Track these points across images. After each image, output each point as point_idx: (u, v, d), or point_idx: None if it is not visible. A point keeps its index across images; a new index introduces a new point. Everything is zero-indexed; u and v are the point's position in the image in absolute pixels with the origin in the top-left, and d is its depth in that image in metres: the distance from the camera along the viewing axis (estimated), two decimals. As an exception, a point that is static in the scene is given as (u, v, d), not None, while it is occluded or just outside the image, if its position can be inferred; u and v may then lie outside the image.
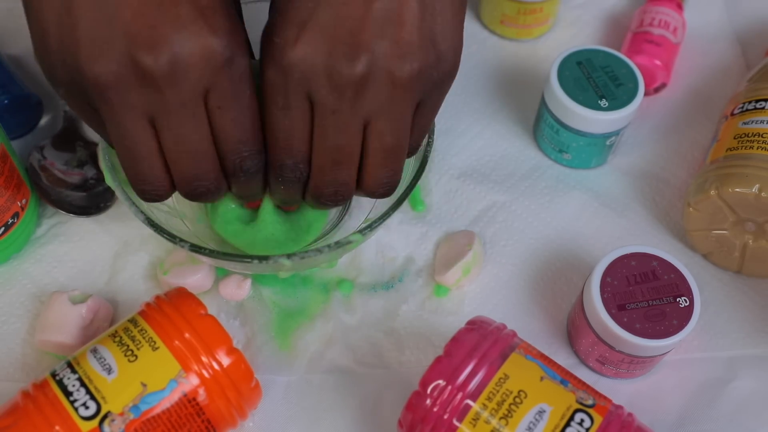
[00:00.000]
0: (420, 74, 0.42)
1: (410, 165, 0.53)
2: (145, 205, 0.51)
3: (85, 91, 0.41)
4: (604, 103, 0.57)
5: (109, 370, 0.45)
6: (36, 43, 0.42)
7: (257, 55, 0.45)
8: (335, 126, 0.43)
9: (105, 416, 0.43)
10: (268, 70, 0.43)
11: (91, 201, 0.58)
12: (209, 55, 0.40)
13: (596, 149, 0.60)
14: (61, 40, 0.40)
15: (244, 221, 0.52)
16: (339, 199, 0.47)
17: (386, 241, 0.58)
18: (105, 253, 0.57)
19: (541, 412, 0.43)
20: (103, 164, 0.50)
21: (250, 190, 0.47)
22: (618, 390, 0.52)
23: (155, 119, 0.41)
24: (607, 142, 0.60)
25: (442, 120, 0.64)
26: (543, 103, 0.60)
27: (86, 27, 0.39)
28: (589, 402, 0.44)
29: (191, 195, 0.45)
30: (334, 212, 0.58)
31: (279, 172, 0.46)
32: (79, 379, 0.44)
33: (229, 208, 0.52)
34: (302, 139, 0.44)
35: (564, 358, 0.54)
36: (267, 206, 0.51)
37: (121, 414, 0.44)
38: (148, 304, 0.48)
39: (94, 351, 0.46)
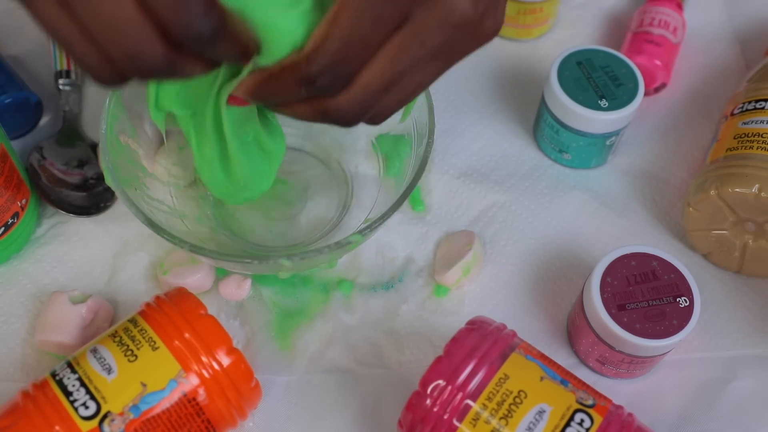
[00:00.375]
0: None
1: (410, 165, 0.53)
2: (146, 206, 0.51)
3: None
4: (604, 103, 0.57)
5: (109, 370, 0.45)
6: None
7: None
8: (415, 52, 0.39)
9: (105, 416, 0.43)
10: None
11: (91, 201, 0.58)
12: None
13: (596, 149, 0.60)
14: None
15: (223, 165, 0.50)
16: (351, 121, 0.42)
17: (386, 241, 0.58)
18: (105, 253, 0.57)
19: (541, 412, 0.43)
20: (103, 164, 0.50)
21: (220, 58, 0.39)
22: (618, 390, 0.52)
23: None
24: (607, 142, 0.60)
25: (442, 120, 0.64)
26: (543, 103, 0.60)
27: None
28: (589, 402, 0.44)
29: (142, 76, 0.37)
30: (334, 212, 0.58)
31: (317, 78, 0.39)
32: (79, 379, 0.44)
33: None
34: (369, 52, 0.39)
35: (564, 358, 0.54)
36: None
37: (121, 414, 0.44)
38: (148, 304, 0.48)
39: (94, 351, 0.46)
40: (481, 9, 0.40)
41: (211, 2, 0.36)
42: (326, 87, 0.40)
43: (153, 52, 0.36)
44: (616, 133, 0.59)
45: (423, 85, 0.43)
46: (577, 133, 0.59)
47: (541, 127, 0.61)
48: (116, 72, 0.38)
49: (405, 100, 0.43)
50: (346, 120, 0.42)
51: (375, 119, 0.44)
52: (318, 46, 0.39)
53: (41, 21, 0.37)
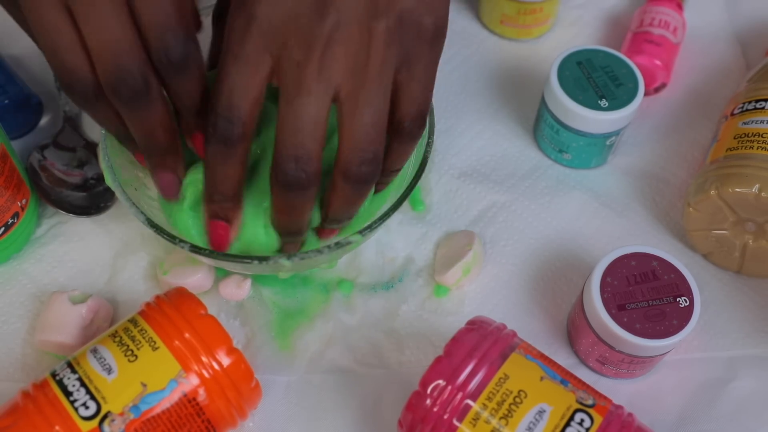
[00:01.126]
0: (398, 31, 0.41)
1: (410, 165, 0.53)
2: (146, 206, 0.51)
3: None
4: (604, 103, 0.57)
5: (109, 370, 0.45)
6: None
7: None
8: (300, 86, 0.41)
9: (105, 416, 0.43)
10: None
11: (91, 201, 0.58)
12: None
13: (596, 149, 0.60)
14: None
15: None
16: (300, 176, 0.42)
17: (386, 241, 0.58)
18: (105, 253, 0.57)
19: (541, 412, 0.43)
20: (103, 164, 0.50)
21: (184, 90, 0.42)
22: (618, 390, 0.52)
23: (71, 7, 0.39)
24: (607, 142, 0.60)
25: (442, 120, 0.64)
26: (543, 103, 0.60)
27: None
28: (589, 402, 0.44)
29: (116, 92, 0.40)
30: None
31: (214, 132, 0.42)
32: (79, 379, 0.44)
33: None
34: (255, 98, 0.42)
35: (564, 358, 0.54)
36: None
37: (121, 414, 0.44)
38: (148, 304, 0.48)
39: (94, 351, 0.46)
40: (424, 10, 0.42)
41: (189, 31, 0.40)
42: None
43: (137, 74, 0.40)
44: (616, 133, 0.59)
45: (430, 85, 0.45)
46: (577, 133, 0.59)
47: (541, 127, 0.61)
48: (95, 85, 0.41)
49: (429, 95, 0.45)
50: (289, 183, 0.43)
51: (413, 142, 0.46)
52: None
53: (41, 23, 0.39)
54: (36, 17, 0.39)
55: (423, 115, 0.45)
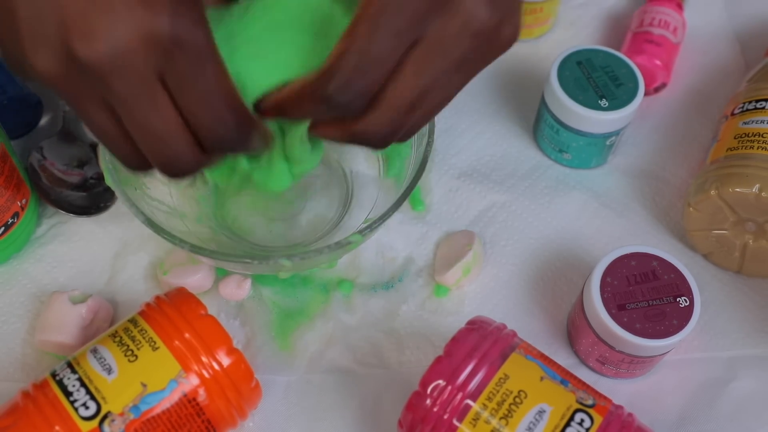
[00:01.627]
0: None
1: (410, 165, 0.53)
2: (146, 206, 0.51)
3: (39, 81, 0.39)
4: (604, 103, 0.57)
5: (109, 370, 0.45)
6: None
7: None
8: (438, 66, 0.40)
9: (105, 416, 0.43)
10: None
11: (91, 201, 0.58)
12: (152, 39, 0.36)
13: (596, 149, 0.60)
14: (7, 34, 0.38)
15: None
16: (380, 142, 0.42)
17: (386, 241, 0.58)
18: (105, 253, 0.57)
19: (541, 412, 0.43)
20: (103, 164, 0.50)
21: (252, 150, 0.43)
22: (618, 390, 0.52)
23: (114, 107, 0.38)
24: (607, 142, 0.60)
25: (442, 120, 0.64)
26: (543, 103, 0.60)
27: (23, 18, 0.37)
28: (589, 402, 0.44)
29: (172, 176, 0.41)
30: (334, 212, 0.58)
31: (335, 95, 0.39)
32: (79, 379, 0.44)
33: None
34: (386, 67, 0.39)
35: (564, 358, 0.54)
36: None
37: (121, 414, 0.44)
38: (148, 304, 0.48)
39: (94, 351, 0.46)
40: (499, 16, 0.39)
41: (240, 114, 0.40)
42: (346, 105, 0.40)
43: (187, 159, 0.40)
44: (616, 133, 0.59)
45: (448, 98, 0.42)
46: (577, 133, 0.59)
47: (541, 127, 0.61)
48: (147, 165, 0.41)
49: (431, 114, 0.43)
50: (377, 142, 0.42)
51: (403, 137, 0.43)
52: (334, 63, 0.38)
53: (87, 119, 0.39)
54: (79, 113, 0.39)
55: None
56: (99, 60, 0.36)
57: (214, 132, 0.40)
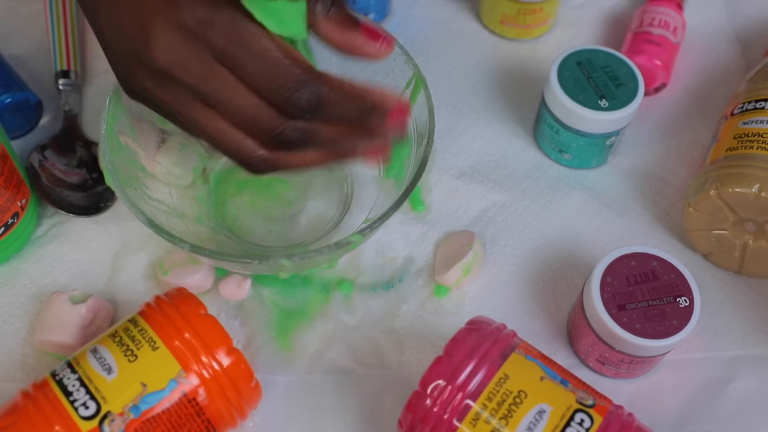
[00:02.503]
0: None
1: (410, 165, 0.53)
2: (146, 206, 0.51)
3: (144, 98, 0.44)
4: (604, 103, 0.57)
5: (109, 370, 0.45)
6: (106, 54, 0.45)
7: None
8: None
9: (105, 416, 0.43)
10: None
11: (91, 201, 0.58)
12: (183, 30, 0.41)
13: (596, 149, 0.60)
14: (110, 61, 0.45)
15: None
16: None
17: (386, 241, 0.58)
18: (105, 253, 0.57)
19: (541, 412, 0.43)
20: (103, 164, 0.50)
21: (335, 114, 0.44)
22: (618, 390, 0.52)
23: (210, 103, 0.43)
24: (607, 142, 0.60)
25: (442, 120, 0.64)
26: (543, 103, 0.60)
27: (111, 51, 0.44)
28: (589, 402, 0.44)
29: (286, 146, 0.44)
30: (334, 212, 0.58)
31: None
32: (79, 379, 0.44)
33: None
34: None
35: (564, 358, 0.54)
36: None
37: (121, 414, 0.44)
38: (148, 304, 0.48)
39: (94, 351, 0.46)
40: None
41: (303, 69, 0.42)
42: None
43: (280, 125, 0.43)
44: (616, 133, 0.59)
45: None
46: (577, 133, 0.59)
47: (541, 127, 0.61)
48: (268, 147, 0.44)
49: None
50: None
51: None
52: None
53: (193, 124, 0.44)
54: (183, 121, 0.44)
55: None
56: (163, 66, 0.42)
57: (284, 96, 0.42)
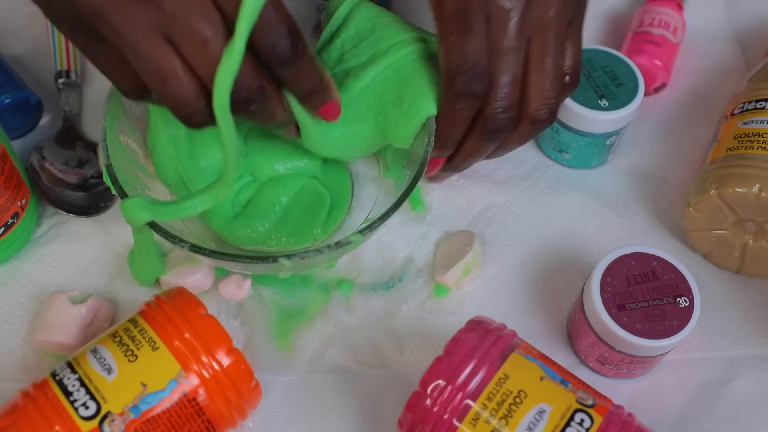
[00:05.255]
0: None
1: (410, 165, 0.53)
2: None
3: (88, 23, 0.40)
4: (604, 102, 0.57)
5: (109, 370, 0.45)
6: None
7: None
8: (516, 30, 0.47)
9: (105, 416, 0.43)
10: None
11: (91, 201, 0.58)
12: None
13: (596, 149, 0.60)
14: None
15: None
16: (509, 123, 0.50)
17: (386, 241, 0.58)
18: (105, 253, 0.57)
19: (541, 412, 0.43)
20: (103, 164, 0.50)
21: (301, 77, 0.45)
22: (618, 390, 0.52)
23: (169, 34, 0.40)
24: (608, 142, 0.60)
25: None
26: (543, 103, 0.60)
27: None
28: (589, 402, 0.44)
29: (239, 104, 0.43)
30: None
31: (457, 86, 0.48)
32: (79, 379, 0.44)
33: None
34: (482, 46, 0.47)
35: (564, 358, 0.54)
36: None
37: (121, 414, 0.44)
38: (148, 304, 0.48)
39: (94, 351, 0.46)
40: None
41: (289, 23, 0.42)
42: (471, 90, 0.48)
43: (251, 78, 0.42)
44: (617, 132, 0.59)
45: (561, 58, 0.50)
46: (578, 133, 0.59)
47: (541, 127, 0.61)
48: (208, 112, 0.43)
49: (573, 87, 0.51)
50: (501, 125, 0.50)
51: (536, 117, 0.50)
52: (445, 64, 0.49)
53: (142, 57, 0.41)
54: (133, 51, 0.40)
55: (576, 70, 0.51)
56: None
57: (269, 38, 0.41)
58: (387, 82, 0.52)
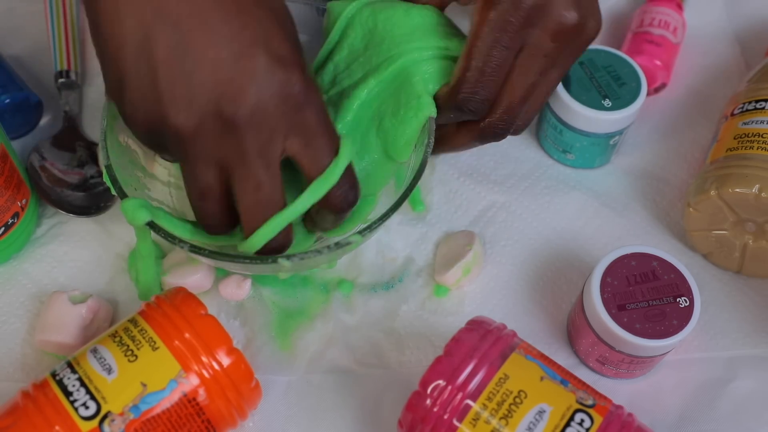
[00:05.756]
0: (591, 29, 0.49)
1: (410, 165, 0.53)
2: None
3: (164, 137, 0.43)
4: (607, 102, 0.57)
5: (109, 370, 0.45)
6: (111, 84, 0.43)
7: None
8: (540, 65, 0.49)
9: (105, 416, 0.43)
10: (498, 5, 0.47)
11: (91, 201, 0.58)
12: (288, 95, 0.42)
13: (600, 149, 0.60)
14: (141, 88, 0.42)
15: None
16: (502, 133, 0.52)
17: (386, 242, 0.58)
18: (105, 253, 0.57)
19: (541, 412, 0.43)
20: (103, 164, 0.50)
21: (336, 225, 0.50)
22: (618, 390, 0.52)
23: (230, 168, 0.44)
24: (611, 142, 0.60)
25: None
26: (546, 104, 0.60)
27: (166, 79, 0.41)
28: (589, 402, 0.44)
29: (268, 251, 0.47)
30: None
31: (465, 104, 0.49)
32: (79, 379, 0.44)
33: None
34: (501, 76, 0.49)
35: (564, 358, 0.54)
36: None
37: (121, 414, 0.44)
38: (148, 304, 0.48)
39: (94, 351, 0.46)
40: (584, 14, 0.49)
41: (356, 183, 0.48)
42: (473, 110, 0.49)
43: (288, 236, 0.48)
44: (620, 132, 0.59)
45: (550, 90, 0.52)
46: (581, 133, 0.59)
47: (544, 127, 0.61)
48: (234, 227, 0.48)
49: (539, 106, 0.52)
50: (497, 135, 0.52)
51: (517, 130, 0.53)
52: (459, 80, 0.49)
53: (194, 177, 0.45)
54: (189, 170, 0.45)
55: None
56: (242, 116, 0.41)
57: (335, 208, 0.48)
58: (382, 95, 0.52)
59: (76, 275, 0.56)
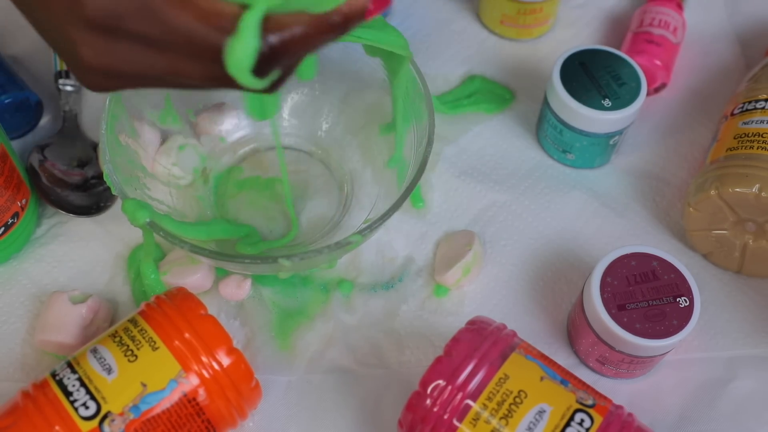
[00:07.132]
0: None
1: (411, 164, 0.53)
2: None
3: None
4: (607, 102, 0.57)
5: (109, 370, 0.45)
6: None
7: None
8: None
9: (105, 416, 0.43)
10: None
11: (91, 201, 0.58)
12: None
13: (600, 149, 0.60)
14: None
15: None
16: None
17: (386, 241, 0.58)
18: (105, 253, 0.57)
19: (541, 412, 0.43)
20: (103, 164, 0.50)
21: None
22: (618, 390, 0.52)
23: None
24: (611, 142, 0.60)
25: (442, 120, 0.64)
26: (546, 104, 0.60)
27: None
28: (589, 402, 0.44)
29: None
30: (334, 212, 0.58)
31: None
32: (79, 379, 0.44)
33: None
34: None
35: (564, 358, 0.54)
36: None
37: (121, 414, 0.44)
38: (148, 304, 0.48)
39: (94, 351, 0.46)
40: None
41: None
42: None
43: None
44: (620, 132, 0.59)
45: None
46: (581, 133, 0.59)
47: (544, 127, 0.61)
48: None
49: None
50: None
51: None
52: None
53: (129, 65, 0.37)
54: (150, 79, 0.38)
55: None
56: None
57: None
58: None
59: (76, 275, 0.56)
